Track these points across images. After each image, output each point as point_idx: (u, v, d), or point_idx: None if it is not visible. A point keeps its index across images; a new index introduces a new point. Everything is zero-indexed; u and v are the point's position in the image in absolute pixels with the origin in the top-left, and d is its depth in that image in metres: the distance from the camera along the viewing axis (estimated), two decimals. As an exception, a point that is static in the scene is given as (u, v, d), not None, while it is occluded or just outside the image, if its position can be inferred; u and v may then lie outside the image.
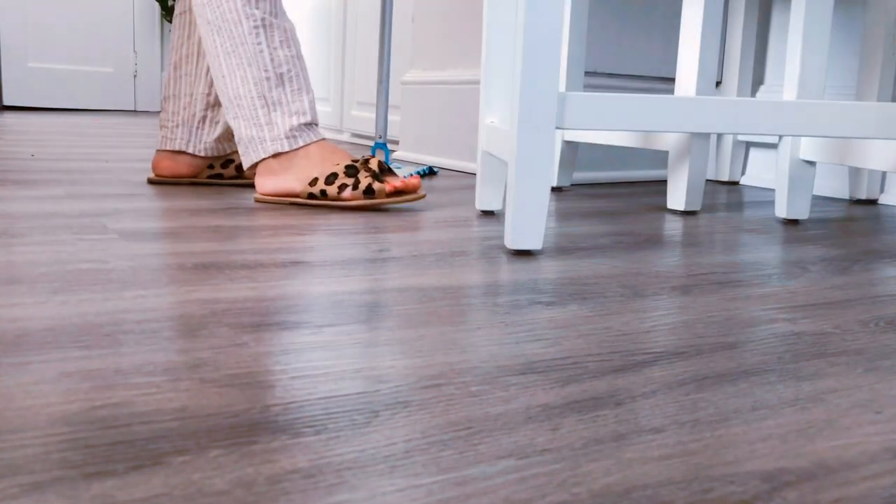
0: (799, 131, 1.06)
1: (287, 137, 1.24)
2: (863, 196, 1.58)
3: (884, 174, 1.59)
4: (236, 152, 1.47)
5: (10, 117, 3.36)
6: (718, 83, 1.86)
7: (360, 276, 0.80)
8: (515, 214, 0.94)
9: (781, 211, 1.29)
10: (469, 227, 1.12)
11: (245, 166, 1.27)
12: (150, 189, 1.35)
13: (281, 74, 1.24)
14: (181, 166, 1.43)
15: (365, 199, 1.22)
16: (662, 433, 0.45)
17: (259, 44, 1.23)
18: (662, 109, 1.01)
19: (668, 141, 1.38)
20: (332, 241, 0.97)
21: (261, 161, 1.25)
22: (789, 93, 1.25)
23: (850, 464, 0.42)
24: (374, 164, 1.23)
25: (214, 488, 0.37)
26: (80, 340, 0.56)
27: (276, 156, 1.24)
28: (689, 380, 0.54)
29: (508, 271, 0.85)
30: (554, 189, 1.62)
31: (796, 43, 1.24)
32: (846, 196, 1.65)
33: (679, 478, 0.40)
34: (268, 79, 1.24)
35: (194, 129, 1.43)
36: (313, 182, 1.23)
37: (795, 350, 0.62)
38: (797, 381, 0.55)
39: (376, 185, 1.22)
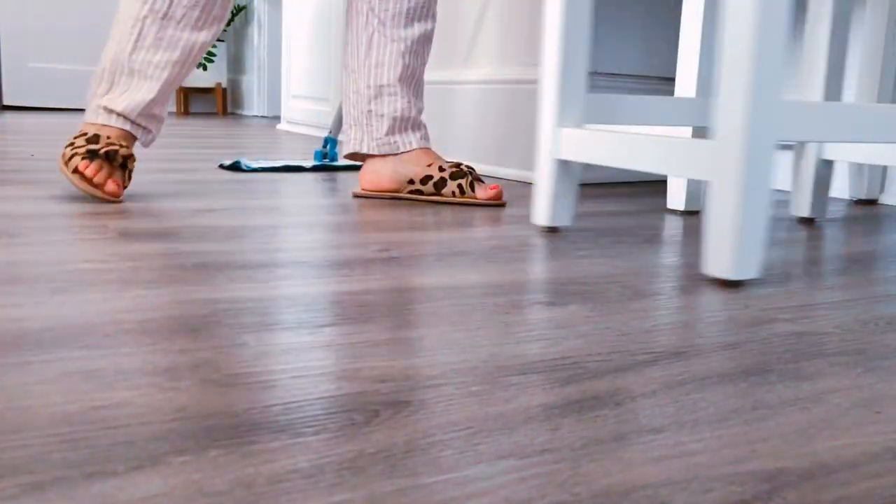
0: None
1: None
2: (863, 196, 1.58)
3: (884, 174, 1.59)
4: (432, 167, 1.38)
5: (10, 117, 3.36)
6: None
7: (360, 276, 0.80)
8: (740, 240, 0.82)
9: (803, 210, 1.29)
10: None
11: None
12: (150, 190, 1.35)
13: None
14: (382, 180, 1.40)
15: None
16: (662, 433, 0.45)
17: None
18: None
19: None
20: (332, 240, 0.97)
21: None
22: (814, 94, 1.27)
23: (850, 464, 0.42)
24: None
25: (214, 488, 0.37)
26: (80, 340, 0.56)
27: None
28: (689, 380, 0.54)
29: (508, 271, 0.85)
30: (554, 189, 1.62)
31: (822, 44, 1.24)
32: (846, 196, 1.65)
33: (679, 478, 0.40)
34: None
35: (364, 127, 1.40)
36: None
37: (795, 350, 0.62)
38: (797, 381, 0.55)
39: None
